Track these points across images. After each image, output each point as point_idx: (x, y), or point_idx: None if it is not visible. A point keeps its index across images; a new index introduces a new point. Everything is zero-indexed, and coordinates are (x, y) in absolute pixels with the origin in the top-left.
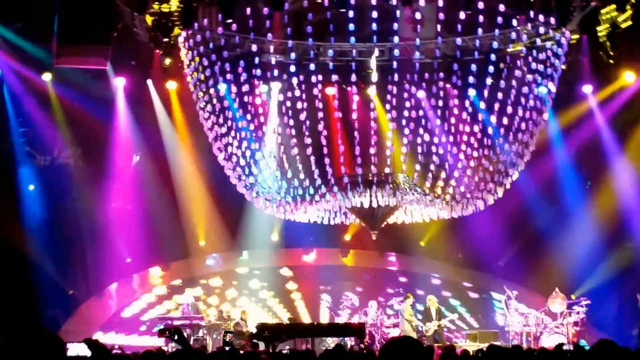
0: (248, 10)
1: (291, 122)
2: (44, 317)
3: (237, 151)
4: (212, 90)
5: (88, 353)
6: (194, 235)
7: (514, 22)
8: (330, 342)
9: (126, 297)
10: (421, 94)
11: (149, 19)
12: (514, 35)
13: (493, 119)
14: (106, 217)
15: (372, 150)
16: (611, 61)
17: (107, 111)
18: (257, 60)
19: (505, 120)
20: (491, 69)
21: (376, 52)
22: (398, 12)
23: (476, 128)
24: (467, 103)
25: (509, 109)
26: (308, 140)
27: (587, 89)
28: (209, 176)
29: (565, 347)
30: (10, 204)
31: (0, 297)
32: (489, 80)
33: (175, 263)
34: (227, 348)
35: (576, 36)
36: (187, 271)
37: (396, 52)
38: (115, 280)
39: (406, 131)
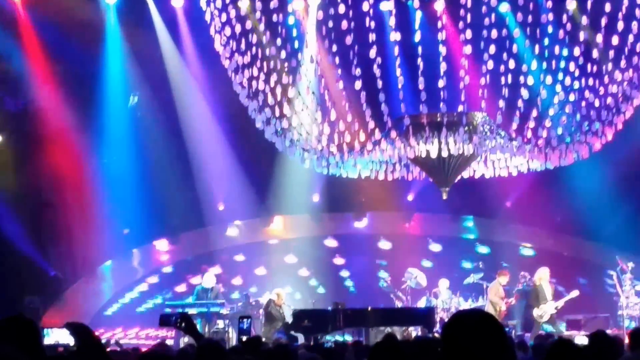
0: None
1: (334, 48)
2: (20, 305)
3: (265, 87)
4: (231, 8)
5: (71, 341)
6: (210, 198)
7: None
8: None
9: (124, 278)
10: (505, 6)
11: None
12: None
13: (599, 38)
14: (96, 177)
15: (441, 83)
16: None
17: (96, 39)
18: None
19: (615, 40)
20: None
21: None
22: None
23: (577, 51)
24: (564, 18)
25: (620, 25)
26: (357, 71)
27: None
28: (228, 120)
29: None
30: None
31: None
32: None
33: (186, 234)
34: (244, 338)
35: None
36: (202, 244)
37: None
38: (110, 258)
39: (485, 56)
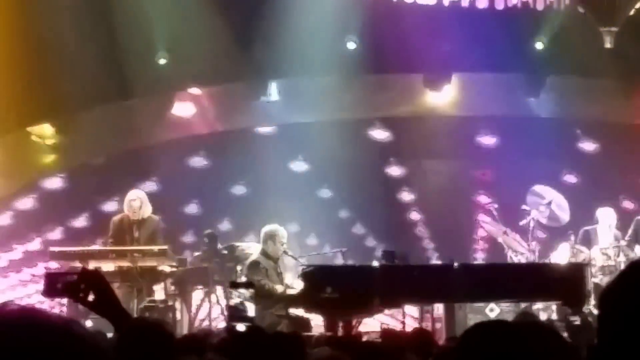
0: None
1: None
2: None
3: None
4: None
5: None
6: (143, 42)
7: None
8: (496, 313)
9: None
10: None
11: None
12: None
13: None
14: None
15: None
16: None
17: None
18: None
19: None
20: None
21: None
22: None
23: None
24: None
25: None
26: None
27: None
28: None
29: None
30: None
31: None
32: None
33: (93, 115)
34: (240, 327)
35: None
36: (123, 135)
37: None
38: None
39: None
